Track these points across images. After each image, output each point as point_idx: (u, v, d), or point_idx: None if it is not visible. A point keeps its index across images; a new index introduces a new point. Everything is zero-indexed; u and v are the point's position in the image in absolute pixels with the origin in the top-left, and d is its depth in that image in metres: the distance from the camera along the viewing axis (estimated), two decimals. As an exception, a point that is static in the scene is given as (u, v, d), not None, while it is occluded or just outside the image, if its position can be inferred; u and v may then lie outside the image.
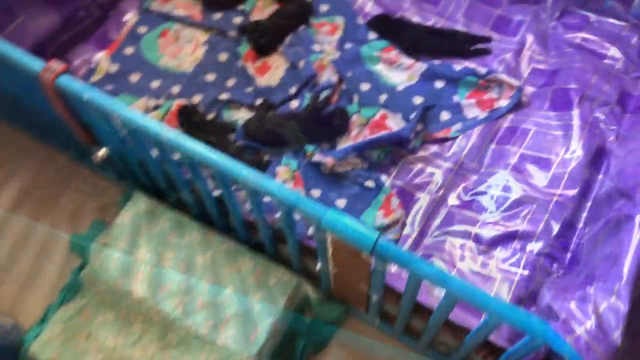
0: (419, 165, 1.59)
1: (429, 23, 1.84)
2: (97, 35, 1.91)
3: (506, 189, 1.49)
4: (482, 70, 1.67)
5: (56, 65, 1.16)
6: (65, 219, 1.63)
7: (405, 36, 1.79)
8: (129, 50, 1.86)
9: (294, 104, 1.73)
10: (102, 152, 1.35)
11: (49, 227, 1.60)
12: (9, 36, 1.68)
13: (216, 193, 1.54)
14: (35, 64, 1.18)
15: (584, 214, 1.42)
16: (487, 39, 1.77)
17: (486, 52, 1.75)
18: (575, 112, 1.54)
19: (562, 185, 1.44)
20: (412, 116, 1.62)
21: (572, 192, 1.43)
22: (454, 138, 1.63)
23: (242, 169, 1.09)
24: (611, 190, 1.26)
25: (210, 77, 1.80)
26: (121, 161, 1.45)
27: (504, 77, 1.64)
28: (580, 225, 1.40)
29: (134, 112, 1.14)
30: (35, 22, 1.73)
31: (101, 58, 1.84)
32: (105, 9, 1.93)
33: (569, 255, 1.36)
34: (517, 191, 1.47)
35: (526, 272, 1.33)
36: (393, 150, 1.62)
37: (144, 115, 1.15)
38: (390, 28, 1.81)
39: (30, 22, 1.72)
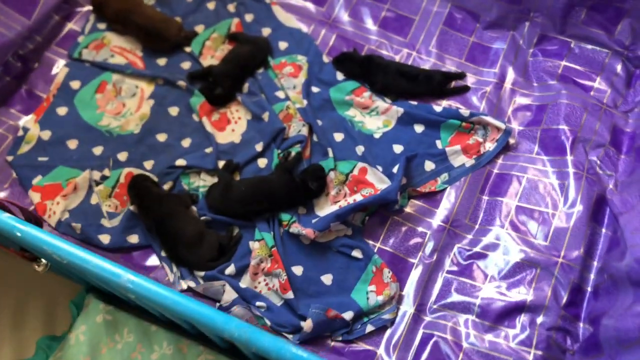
0: (408, 226, 1.45)
1: (398, 57, 1.68)
2: (21, 94, 1.63)
3: (505, 250, 1.37)
4: (465, 112, 1.53)
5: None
6: (8, 321, 1.39)
7: (376, 78, 1.61)
8: (61, 111, 1.60)
9: (262, 162, 1.54)
10: (42, 266, 1.12)
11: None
12: None
13: (183, 285, 1.35)
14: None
15: (592, 276, 1.32)
16: (461, 75, 1.62)
17: (465, 89, 1.61)
18: (570, 158, 1.43)
19: (565, 245, 1.34)
20: (395, 169, 1.47)
21: (577, 253, 1.32)
22: (442, 190, 1.49)
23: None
24: (631, 271, 1.15)
25: (162, 137, 1.57)
26: (67, 270, 1.23)
27: (489, 119, 1.51)
28: (589, 289, 1.30)
29: (71, 249, 0.92)
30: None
31: (29, 123, 1.57)
32: (28, 60, 1.66)
33: (581, 326, 1.26)
34: (516, 253, 1.36)
35: (540, 353, 1.22)
36: (378, 211, 1.46)
37: (81, 251, 0.93)
38: (359, 67, 1.63)
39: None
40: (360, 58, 1.64)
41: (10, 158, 1.53)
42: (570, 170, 1.42)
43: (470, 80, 1.64)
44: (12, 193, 1.50)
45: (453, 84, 1.62)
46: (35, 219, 1.10)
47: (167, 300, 0.86)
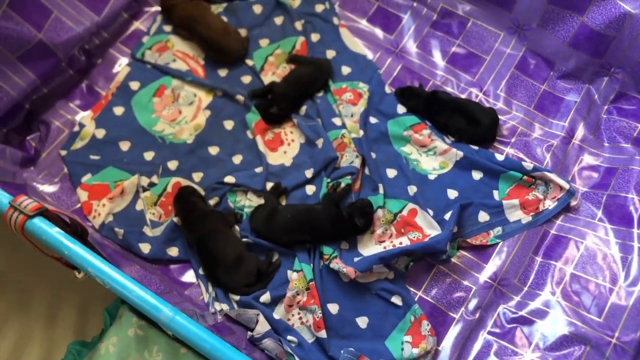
0: (454, 277, 1.39)
1: (464, 96, 1.61)
2: (82, 88, 1.64)
3: (553, 320, 1.29)
4: (529, 165, 1.45)
5: (26, 202, 0.91)
6: (41, 318, 1.39)
7: (437, 115, 1.56)
8: (118, 111, 1.60)
9: (310, 189, 1.50)
10: (82, 274, 1.11)
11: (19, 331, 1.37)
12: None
13: (217, 307, 1.33)
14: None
15: (646, 363, 1.23)
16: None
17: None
18: (637, 232, 1.34)
19: (621, 326, 1.25)
20: (447, 217, 1.40)
21: (633, 336, 1.24)
22: (493, 245, 1.42)
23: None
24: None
25: (213, 150, 1.55)
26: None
27: (553, 176, 1.43)
28: (642, 377, 1.22)
29: (115, 275, 0.90)
30: (6, 81, 1.46)
31: (85, 120, 1.58)
32: (92, 55, 1.66)
33: (629, 416, 1.18)
34: (565, 325, 1.28)
35: None
36: (423, 257, 1.41)
37: (124, 278, 0.91)
38: (423, 104, 1.57)
39: (2, 82, 1.45)
40: (426, 94, 1.58)
41: (63, 152, 1.54)
42: (636, 244, 1.33)
43: (537, 131, 1.56)
44: (62, 188, 1.50)
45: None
46: (82, 230, 1.09)
47: (206, 344, 0.83)
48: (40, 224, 0.93)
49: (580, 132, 1.55)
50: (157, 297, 0.87)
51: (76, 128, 1.57)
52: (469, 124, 1.53)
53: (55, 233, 0.92)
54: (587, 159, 1.51)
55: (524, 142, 1.55)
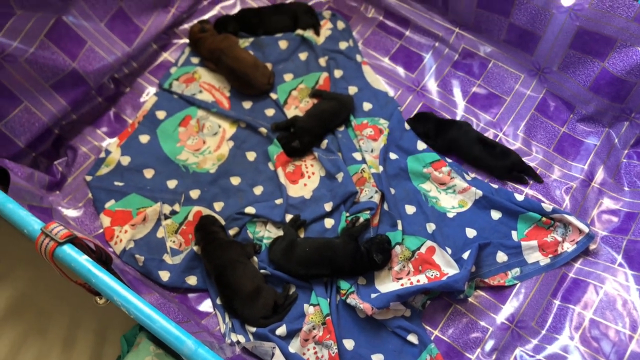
0: (470, 317, 1.38)
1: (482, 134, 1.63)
2: (109, 116, 1.69)
3: (572, 365, 1.28)
4: (548, 207, 1.46)
5: (57, 229, 0.94)
6: (59, 342, 1.40)
7: (450, 134, 1.58)
8: (144, 139, 1.63)
9: (329, 222, 1.52)
10: (103, 300, 1.12)
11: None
12: (11, 123, 1.47)
13: (234, 338, 1.33)
14: (32, 226, 0.96)
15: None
16: (537, 180, 1.55)
17: (523, 181, 1.55)
18: (657, 279, 1.34)
19: (642, 375, 1.24)
20: (466, 256, 1.40)
21: (654, 386, 1.22)
22: (511, 286, 1.41)
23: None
24: None
25: (235, 180, 1.58)
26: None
27: (572, 219, 1.43)
28: None
29: (140, 305, 0.92)
30: (39, 107, 1.51)
31: (112, 147, 1.62)
32: (121, 84, 1.71)
33: None
34: (585, 371, 1.27)
35: None
36: (440, 296, 1.41)
37: (149, 308, 0.92)
38: (435, 125, 1.60)
39: (34, 107, 1.50)
40: (439, 119, 1.61)
41: (88, 178, 1.57)
42: (656, 291, 1.33)
43: (555, 172, 1.57)
44: (85, 213, 1.53)
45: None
46: (106, 256, 1.11)
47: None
48: (70, 252, 0.95)
49: (599, 175, 1.55)
50: (180, 328, 0.88)
51: (102, 154, 1.61)
52: (483, 149, 1.56)
53: (83, 261, 0.94)
54: (607, 203, 1.51)
55: (543, 184, 1.55)
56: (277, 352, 1.29)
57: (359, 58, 1.76)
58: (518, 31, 1.66)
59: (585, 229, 1.42)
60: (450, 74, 1.73)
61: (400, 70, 1.75)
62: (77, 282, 1.12)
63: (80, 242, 1.02)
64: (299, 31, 1.79)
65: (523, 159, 1.58)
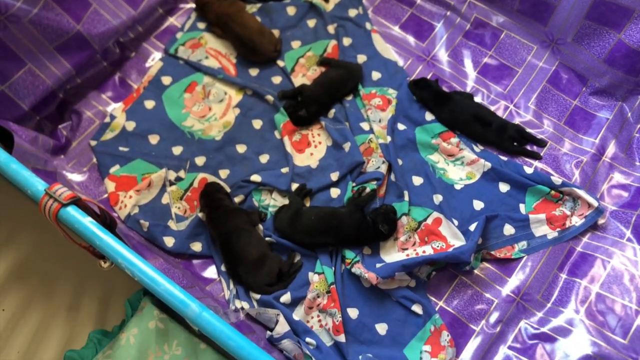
0: (476, 289, 1.37)
1: (494, 107, 1.60)
2: (114, 80, 1.66)
3: (576, 338, 1.27)
4: (557, 180, 1.44)
5: (61, 190, 0.93)
6: (63, 305, 1.41)
7: (447, 109, 1.55)
8: (149, 104, 1.61)
9: (335, 192, 1.50)
10: (107, 263, 1.11)
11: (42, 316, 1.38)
12: (15, 85, 1.44)
13: (237, 305, 1.33)
14: (35, 187, 0.94)
15: (670, 387, 1.21)
16: (541, 143, 1.54)
17: (536, 156, 1.52)
18: (667, 254, 1.33)
19: (648, 348, 1.23)
20: (472, 228, 1.39)
21: (659, 359, 1.22)
22: (517, 259, 1.40)
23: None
24: None
25: (241, 148, 1.56)
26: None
27: (582, 193, 1.41)
28: (666, 401, 1.20)
29: (145, 268, 0.91)
30: (43, 70, 1.48)
31: (116, 111, 1.60)
32: (126, 48, 1.68)
33: None
34: (588, 344, 1.26)
35: None
36: (446, 267, 1.40)
37: (154, 272, 0.91)
38: (433, 96, 1.57)
39: (38, 70, 1.47)
40: (438, 89, 1.58)
41: (93, 143, 1.56)
42: (665, 266, 1.32)
43: (566, 146, 1.54)
44: (90, 177, 1.52)
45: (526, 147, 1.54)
46: (111, 220, 1.10)
47: (232, 342, 0.83)
48: (74, 213, 0.94)
49: (611, 149, 1.53)
50: (184, 291, 0.88)
51: (107, 119, 1.59)
52: (480, 126, 1.53)
53: (88, 223, 0.93)
54: (618, 178, 1.49)
55: (552, 157, 1.53)
56: (282, 319, 1.29)
57: (368, 26, 1.73)
58: (532, 0, 1.61)
59: (595, 203, 1.41)
60: (462, 44, 1.70)
61: (411, 39, 1.71)
62: (82, 245, 1.11)
63: (84, 204, 1.01)
64: (308, -3, 1.75)
65: (533, 131, 1.55)
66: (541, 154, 1.53)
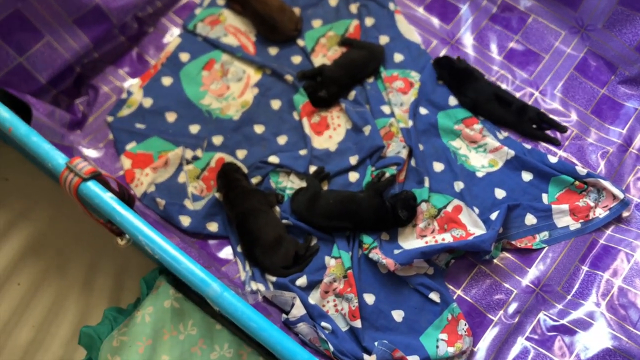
0: (495, 279, 1.35)
1: (519, 94, 1.56)
2: (132, 55, 1.63)
3: (597, 331, 1.25)
4: (582, 171, 1.40)
5: (81, 164, 0.91)
6: (78, 282, 1.40)
7: (468, 93, 1.52)
8: (166, 81, 1.59)
9: (354, 176, 1.48)
10: (124, 241, 1.10)
11: (55, 294, 1.38)
12: (32, 57, 1.42)
13: (253, 287, 1.32)
14: (56, 160, 0.93)
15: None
16: (561, 129, 1.50)
17: (555, 142, 1.49)
18: (693, 249, 1.29)
19: (670, 344, 1.21)
20: (494, 217, 1.36)
21: (682, 356, 1.19)
22: (538, 249, 1.38)
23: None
24: None
25: (259, 129, 1.53)
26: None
27: (607, 184, 1.38)
28: (686, 399, 1.18)
29: (165, 245, 0.89)
30: (61, 43, 1.46)
31: (134, 88, 1.57)
32: (144, 23, 1.65)
33: None
34: (609, 338, 1.24)
35: None
36: (465, 255, 1.38)
37: (174, 249, 0.89)
38: (454, 75, 1.54)
39: (56, 43, 1.45)
40: (460, 67, 1.54)
41: (110, 119, 1.54)
42: (691, 262, 1.29)
43: (592, 136, 1.50)
44: (106, 154, 1.51)
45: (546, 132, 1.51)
46: (129, 197, 1.09)
47: (253, 323, 0.81)
48: (94, 188, 0.93)
49: (638, 140, 1.49)
50: (205, 270, 0.86)
51: (124, 95, 1.57)
52: (500, 106, 1.50)
53: (108, 198, 0.91)
54: (644, 170, 1.46)
55: (578, 146, 1.49)
56: (297, 302, 1.27)
57: (392, 6, 1.68)
58: (563, -16, 1.57)
59: (620, 195, 1.37)
60: (487, 28, 1.65)
61: (435, 21, 1.67)
62: (99, 221, 1.10)
63: (104, 179, 0.99)
64: (330, -25, 1.71)
65: (559, 118, 1.51)
66: (560, 141, 1.49)
